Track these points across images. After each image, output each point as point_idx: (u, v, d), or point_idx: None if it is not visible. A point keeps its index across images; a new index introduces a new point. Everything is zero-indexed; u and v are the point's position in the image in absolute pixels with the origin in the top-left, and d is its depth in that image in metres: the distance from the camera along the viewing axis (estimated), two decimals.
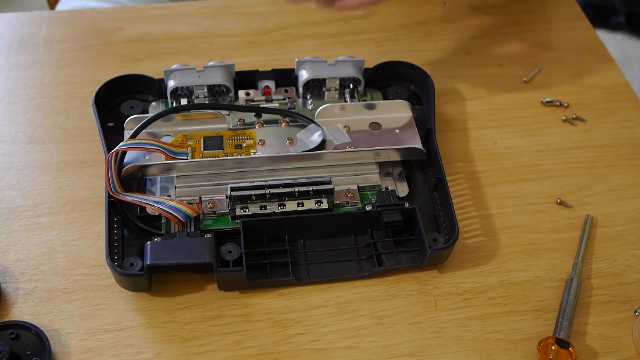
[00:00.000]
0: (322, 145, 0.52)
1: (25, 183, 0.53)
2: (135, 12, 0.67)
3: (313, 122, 0.53)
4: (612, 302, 0.49)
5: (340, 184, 0.51)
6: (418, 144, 0.52)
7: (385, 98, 0.58)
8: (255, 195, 0.49)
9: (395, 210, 0.49)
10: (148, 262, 0.45)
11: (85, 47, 0.63)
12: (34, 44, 0.63)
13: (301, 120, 0.54)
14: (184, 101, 0.55)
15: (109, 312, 0.46)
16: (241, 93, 0.56)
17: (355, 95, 0.57)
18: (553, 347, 0.44)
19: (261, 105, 0.55)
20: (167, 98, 0.55)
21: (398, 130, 0.54)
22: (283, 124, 0.54)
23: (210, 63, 0.55)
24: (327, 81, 0.56)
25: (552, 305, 0.48)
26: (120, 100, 0.56)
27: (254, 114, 0.54)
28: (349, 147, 0.52)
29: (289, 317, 0.47)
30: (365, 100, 0.57)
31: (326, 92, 0.57)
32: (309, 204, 0.50)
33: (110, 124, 0.55)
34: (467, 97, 0.61)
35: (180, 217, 0.47)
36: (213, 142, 0.52)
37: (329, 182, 0.51)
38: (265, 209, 0.49)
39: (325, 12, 0.63)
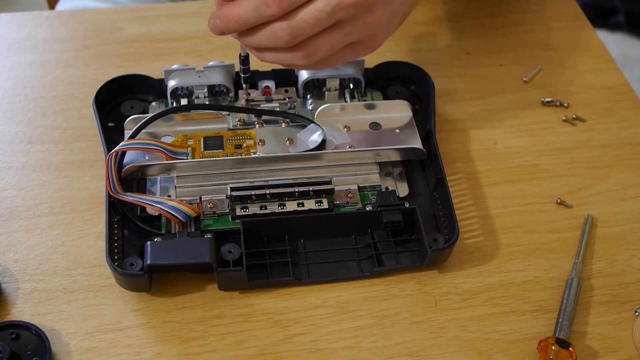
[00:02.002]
0: (322, 145, 0.52)
1: (25, 183, 0.53)
2: (135, 12, 0.67)
3: (313, 122, 0.53)
4: (612, 302, 0.49)
5: (341, 184, 0.51)
6: (418, 144, 0.52)
7: (386, 98, 0.58)
8: (255, 195, 0.49)
9: (396, 210, 0.49)
10: (148, 262, 0.45)
11: (85, 47, 0.63)
12: (34, 44, 0.63)
13: (301, 121, 0.54)
14: (184, 101, 0.55)
15: (109, 312, 0.46)
16: (241, 93, 0.56)
17: (356, 95, 0.57)
18: (553, 347, 0.44)
19: (261, 106, 0.55)
20: (167, 98, 0.55)
21: (398, 130, 0.54)
22: (283, 124, 0.54)
23: (210, 63, 0.55)
24: (327, 81, 0.56)
25: (552, 305, 0.48)
26: (120, 100, 0.56)
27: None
28: (349, 147, 0.52)
29: (288, 317, 0.47)
30: (365, 100, 0.57)
31: (326, 92, 0.57)
32: (309, 204, 0.50)
33: (111, 124, 0.55)
34: (467, 97, 0.61)
35: (180, 217, 0.47)
36: (213, 142, 0.52)
37: (329, 182, 0.50)
38: (266, 209, 0.49)
39: None
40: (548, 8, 0.70)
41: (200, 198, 0.49)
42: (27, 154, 0.55)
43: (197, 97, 0.55)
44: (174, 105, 0.54)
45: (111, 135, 0.53)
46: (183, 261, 0.45)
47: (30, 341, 0.44)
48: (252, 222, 0.48)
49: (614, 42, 1.56)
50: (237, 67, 0.54)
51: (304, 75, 0.56)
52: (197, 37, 0.65)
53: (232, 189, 0.49)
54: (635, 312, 0.48)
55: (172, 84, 0.54)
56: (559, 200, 0.54)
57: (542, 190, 0.55)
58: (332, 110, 0.54)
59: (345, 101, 0.57)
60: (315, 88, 0.57)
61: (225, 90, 0.55)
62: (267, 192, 0.49)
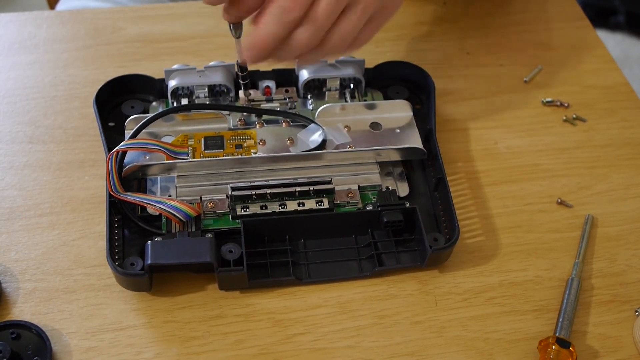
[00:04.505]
0: (322, 145, 0.52)
1: (25, 183, 0.53)
2: (135, 12, 0.67)
3: (313, 122, 0.53)
4: (613, 301, 0.49)
5: (341, 183, 0.51)
6: (418, 144, 0.52)
7: (386, 98, 0.58)
8: (255, 195, 0.49)
9: (396, 210, 0.49)
10: (149, 262, 0.45)
11: (85, 47, 0.63)
12: (34, 44, 0.63)
13: (301, 121, 0.54)
14: (184, 101, 0.55)
15: (110, 312, 0.46)
16: (242, 93, 0.56)
17: (356, 95, 0.57)
18: (554, 347, 0.44)
19: (262, 106, 0.55)
20: (167, 98, 0.55)
21: (398, 130, 0.54)
22: (284, 123, 0.54)
23: (211, 63, 0.55)
24: (327, 81, 0.56)
25: (552, 305, 0.48)
26: (121, 100, 0.56)
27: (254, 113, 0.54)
28: (350, 147, 0.52)
29: (289, 316, 0.47)
30: (365, 100, 0.57)
31: (327, 92, 0.57)
32: (310, 204, 0.50)
33: (111, 124, 0.55)
34: (467, 97, 0.61)
35: (180, 217, 0.47)
36: (214, 142, 0.52)
37: (329, 182, 0.51)
38: (266, 208, 0.49)
39: None
40: (548, 8, 0.70)
41: (201, 198, 0.49)
42: (28, 154, 0.55)
43: (198, 97, 0.55)
44: (175, 105, 0.54)
45: (112, 135, 0.53)
46: (184, 261, 0.45)
47: (30, 341, 0.44)
48: (252, 221, 0.48)
49: (614, 42, 1.56)
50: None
51: (304, 75, 0.56)
52: (197, 37, 0.65)
53: (233, 189, 0.49)
54: (636, 311, 0.48)
55: (172, 83, 0.54)
56: (559, 200, 0.54)
57: (543, 190, 0.55)
58: (332, 110, 0.54)
59: (346, 101, 0.57)
60: (316, 88, 0.57)
61: (225, 90, 0.55)
62: (268, 191, 0.50)
